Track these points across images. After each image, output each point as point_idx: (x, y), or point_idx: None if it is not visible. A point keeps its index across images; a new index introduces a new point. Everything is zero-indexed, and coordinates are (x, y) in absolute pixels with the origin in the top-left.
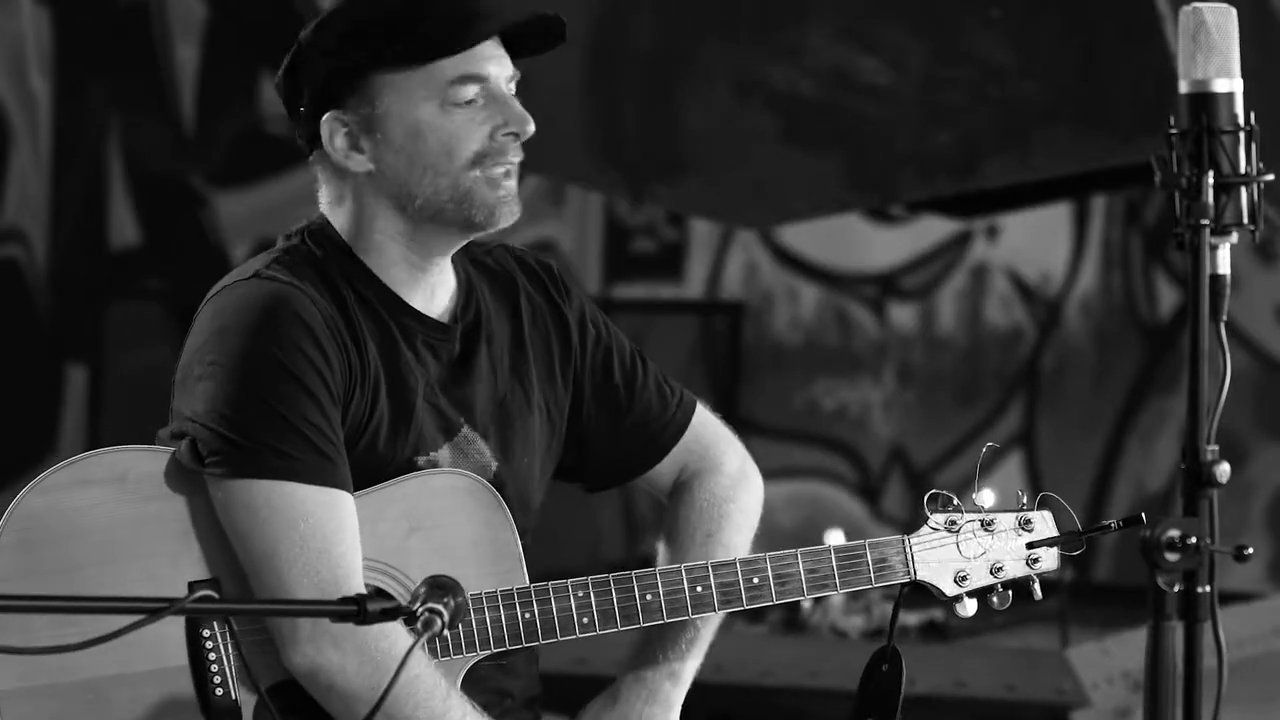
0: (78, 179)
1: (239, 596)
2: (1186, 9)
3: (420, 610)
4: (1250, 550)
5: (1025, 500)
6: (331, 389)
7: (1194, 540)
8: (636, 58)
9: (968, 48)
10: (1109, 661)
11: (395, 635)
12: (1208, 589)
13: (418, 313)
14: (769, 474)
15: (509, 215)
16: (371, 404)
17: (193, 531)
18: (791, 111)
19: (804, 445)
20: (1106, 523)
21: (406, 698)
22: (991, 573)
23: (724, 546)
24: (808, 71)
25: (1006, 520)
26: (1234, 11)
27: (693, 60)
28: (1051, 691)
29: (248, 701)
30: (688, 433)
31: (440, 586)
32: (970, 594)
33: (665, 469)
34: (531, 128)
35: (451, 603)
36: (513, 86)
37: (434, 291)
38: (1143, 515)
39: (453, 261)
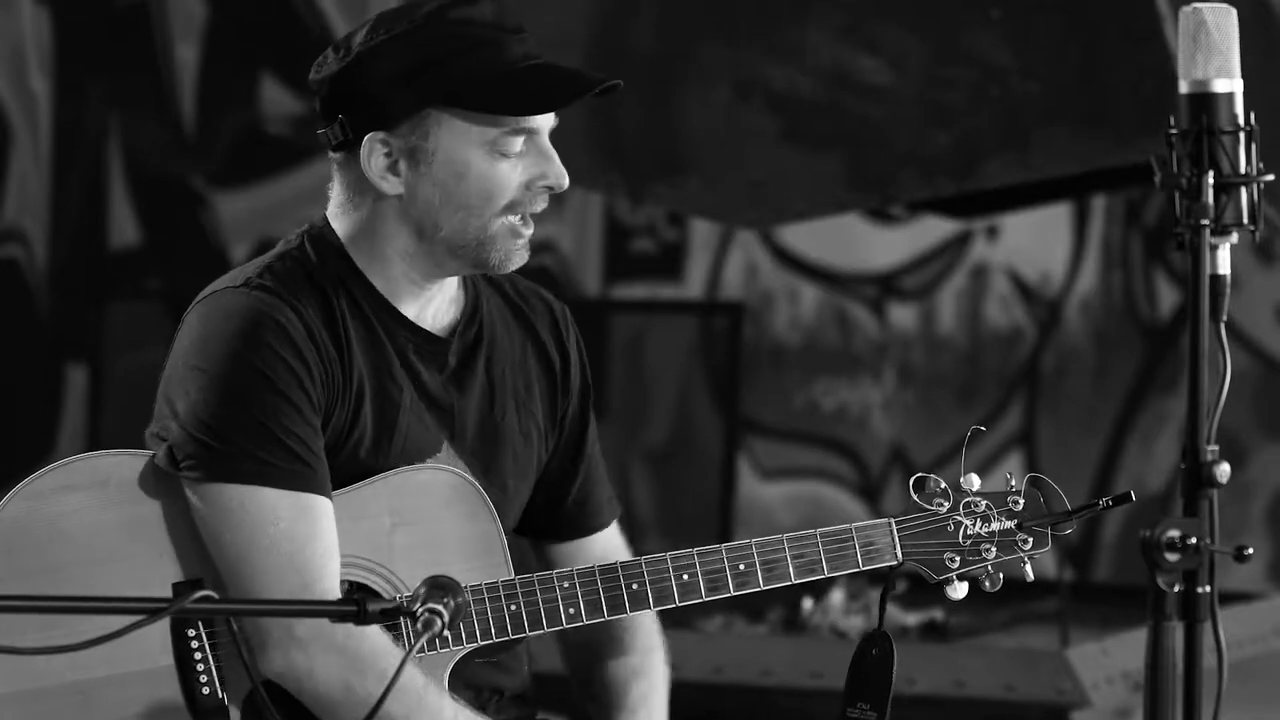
0: (78, 179)
1: (224, 594)
2: (1186, 9)
3: (420, 610)
4: (1250, 550)
5: (1014, 482)
6: (312, 398)
7: (1194, 540)
8: (636, 58)
9: (968, 48)
10: (1109, 661)
11: (363, 632)
12: (1208, 589)
13: (410, 322)
14: (769, 474)
15: (520, 260)
16: (354, 414)
17: (175, 534)
18: (791, 111)
19: (804, 445)
20: (1095, 501)
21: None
22: (980, 554)
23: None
24: (808, 71)
25: (995, 502)
26: (1234, 11)
27: (693, 60)
28: (1051, 691)
29: (235, 700)
30: (608, 550)
31: (440, 586)
32: (960, 576)
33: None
34: (567, 183)
35: (451, 603)
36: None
37: (430, 303)
38: (1130, 493)
39: (463, 279)
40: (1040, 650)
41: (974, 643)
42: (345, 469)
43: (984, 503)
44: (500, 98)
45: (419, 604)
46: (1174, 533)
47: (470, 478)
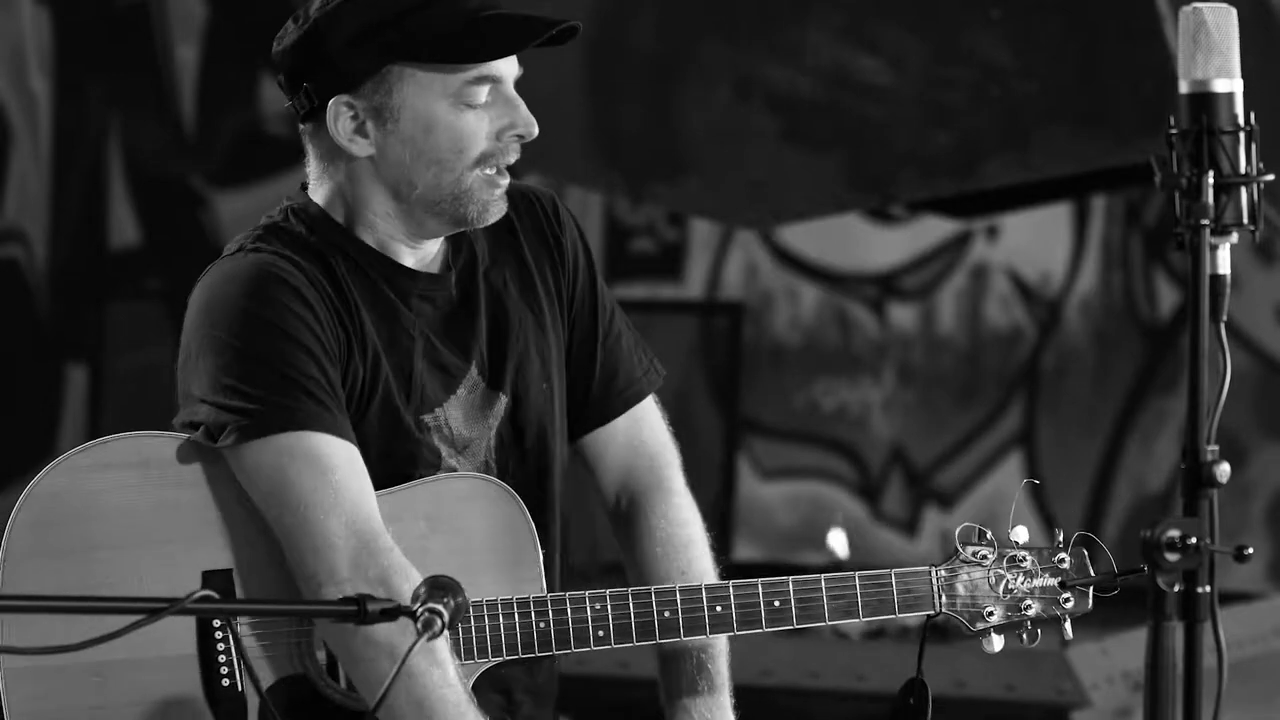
0: (78, 179)
1: (254, 586)
2: (1186, 9)
3: (420, 610)
4: (1250, 550)
5: (1061, 539)
6: (326, 346)
7: (1194, 540)
8: (636, 58)
9: (968, 48)
10: (1109, 661)
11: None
12: (1208, 589)
13: (409, 269)
14: (769, 474)
15: (498, 212)
16: (374, 368)
17: (210, 520)
18: (791, 111)
19: (804, 445)
20: (1143, 566)
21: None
22: (1020, 610)
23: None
24: (808, 71)
25: (1039, 557)
26: (1234, 11)
27: (693, 60)
28: (1051, 691)
29: (253, 692)
30: (640, 428)
31: (440, 587)
32: (998, 630)
33: (611, 457)
34: (536, 130)
35: (451, 603)
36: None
37: (423, 249)
38: None
39: None
40: (1040, 650)
41: (974, 643)
42: (382, 421)
43: (1029, 557)
44: (459, 47)
45: (419, 604)
46: (1174, 533)
47: (509, 489)
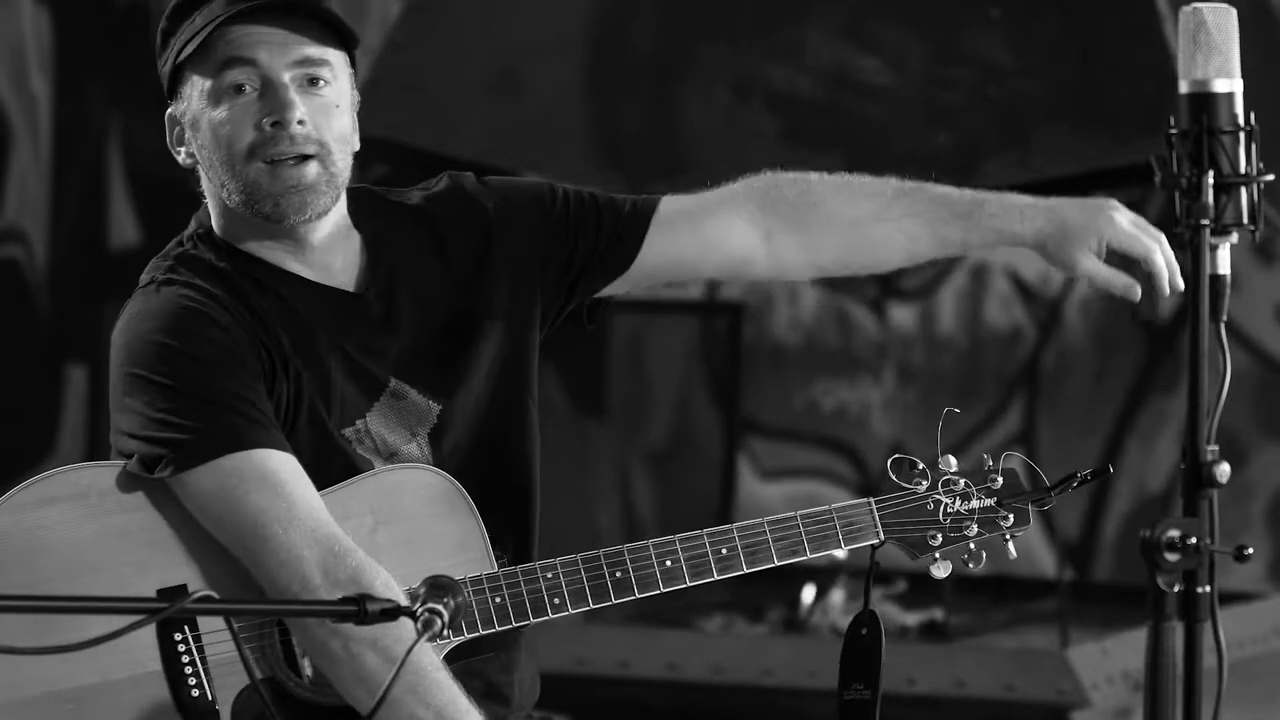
0: (78, 179)
1: (221, 597)
2: (1186, 9)
3: (420, 610)
4: (1250, 550)
5: (991, 462)
6: (248, 366)
7: (1194, 540)
8: (636, 58)
9: (968, 48)
10: (1109, 661)
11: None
12: (1208, 589)
13: (317, 284)
14: (769, 474)
15: (299, 207)
16: (297, 386)
17: (159, 540)
18: (791, 111)
19: (804, 445)
20: (1073, 474)
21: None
22: (962, 532)
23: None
24: (808, 71)
25: (974, 480)
26: (1234, 11)
27: (693, 60)
28: (1051, 691)
29: (224, 701)
30: (679, 203)
31: (440, 586)
32: (942, 554)
33: (682, 240)
34: (292, 114)
35: (451, 603)
36: (322, 74)
37: (329, 261)
38: (1109, 466)
39: (356, 228)
40: (1040, 650)
41: (974, 643)
42: (311, 437)
43: (963, 481)
44: (191, 41)
45: (419, 604)
46: (1174, 533)
47: (447, 475)
